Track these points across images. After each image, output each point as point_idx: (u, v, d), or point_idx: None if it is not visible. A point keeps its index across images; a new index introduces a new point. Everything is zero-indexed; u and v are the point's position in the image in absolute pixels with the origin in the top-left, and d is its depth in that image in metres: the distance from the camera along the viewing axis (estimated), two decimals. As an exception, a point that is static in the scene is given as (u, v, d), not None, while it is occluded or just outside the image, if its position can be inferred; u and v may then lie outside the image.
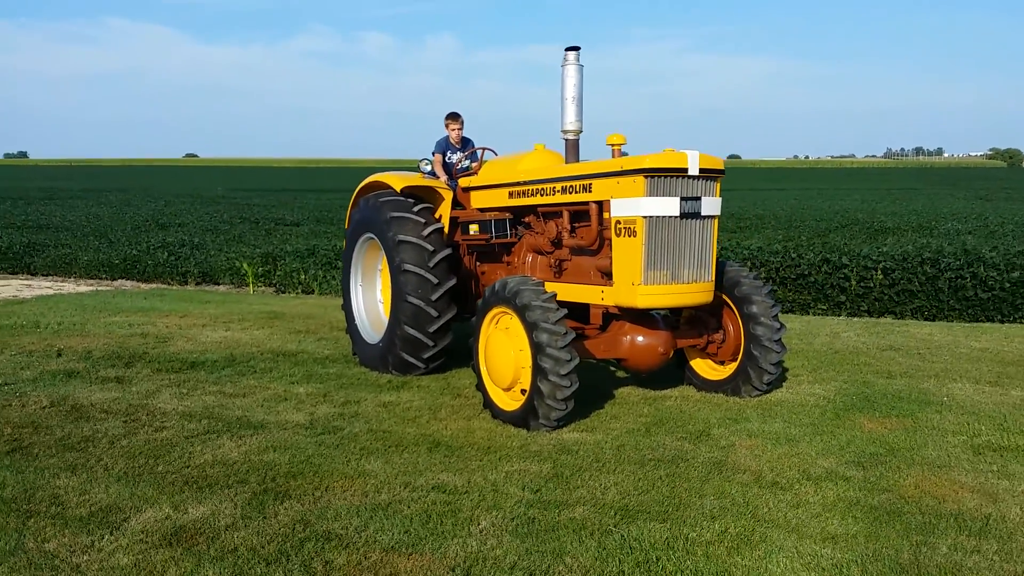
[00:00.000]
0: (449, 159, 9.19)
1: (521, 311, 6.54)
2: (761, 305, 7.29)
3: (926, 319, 12.64)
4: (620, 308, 6.98)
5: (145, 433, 6.39)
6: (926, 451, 5.96)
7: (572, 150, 7.72)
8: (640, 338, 7.08)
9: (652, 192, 6.58)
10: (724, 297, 7.49)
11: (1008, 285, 12.40)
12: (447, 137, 9.21)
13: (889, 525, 4.72)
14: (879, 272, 13.08)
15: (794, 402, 7.31)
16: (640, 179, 6.57)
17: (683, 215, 6.67)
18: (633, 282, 6.66)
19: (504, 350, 6.73)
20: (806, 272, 13.45)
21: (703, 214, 6.77)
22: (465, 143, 9.29)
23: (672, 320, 7.87)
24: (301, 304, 13.80)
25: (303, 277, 16.63)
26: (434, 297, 8.04)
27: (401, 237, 8.12)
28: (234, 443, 6.15)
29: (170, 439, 6.24)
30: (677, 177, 6.64)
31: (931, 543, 4.48)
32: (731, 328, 7.51)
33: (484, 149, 9.15)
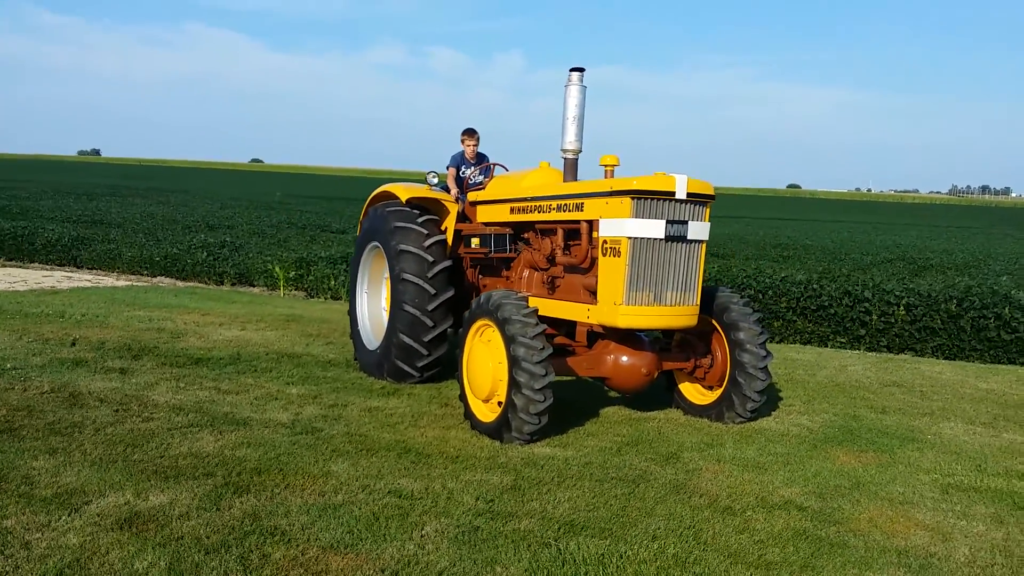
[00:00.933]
0: (463, 173, 9.36)
1: (501, 324, 6.64)
2: (748, 332, 7.28)
3: (947, 358, 12.42)
4: (603, 327, 7.04)
5: (132, 423, 6.61)
6: (892, 487, 5.90)
7: (571, 169, 7.81)
8: (624, 358, 7.12)
9: (638, 214, 6.64)
10: (713, 322, 7.51)
11: (1033, 327, 12.12)
12: (462, 152, 9.37)
13: (829, 556, 4.70)
14: (901, 308, 12.90)
15: (775, 431, 7.28)
16: (627, 200, 6.64)
17: (668, 238, 6.71)
18: (615, 302, 6.71)
19: (484, 362, 6.84)
20: (827, 304, 13.31)
21: (689, 238, 6.81)
22: (480, 158, 9.44)
23: (663, 342, 7.92)
24: (323, 309, 14.06)
25: (332, 283, 16.94)
26: (431, 307, 8.18)
27: (402, 247, 8.29)
28: (213, 437, 6.34)
29: (153, 430, 6.45)
30: (664, 200, 6.69)
31: (864, 577, 4.47)
32: (719, 353, 7.51)
33: (495, 165, 9.31)
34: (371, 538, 4.67)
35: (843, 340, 13.21)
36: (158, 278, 18.85)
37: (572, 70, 7.65)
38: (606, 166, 7.20)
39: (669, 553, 4.64)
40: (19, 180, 63.35)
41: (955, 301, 12.75)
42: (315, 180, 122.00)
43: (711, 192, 6.92)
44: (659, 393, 8.13)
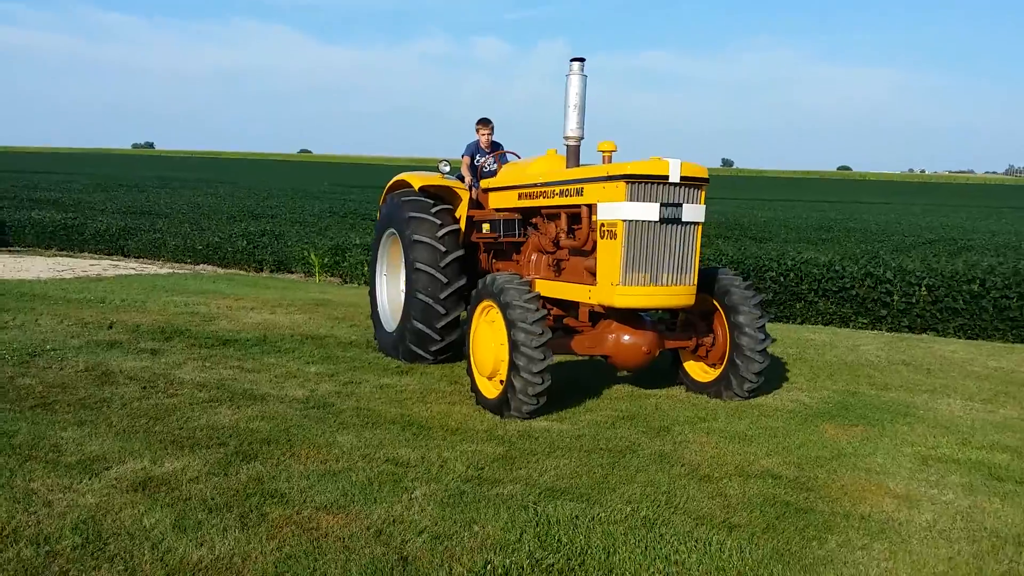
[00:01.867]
0: (477, 161, 9.69)
1: (503, 308, 6.96)
2: (748, 315, 7.49)
3: (969, 338, 12.45)
4: (603, 307, 7.31)
5: (157, 398, 7.06)
6: (873, 458, 6.11)
7: (573, 155, 8.07)
8: (625, 337, 7.38)
9: (633, 197, 6.89)
10: (715, 303, 7.74)
11: (1056, 307, 12.11)
12: (477, 141, 9.70)
13: (794, 520, 4.95)
14: (923, 288, 12.93)
15: (771, 406, 7.49)
16: (622, 184, 6.89)
17: (663, 220, 6.94)
18: (612, 282, 6.97)
19: (488, 341, 7.17)
20: (848, 285, 13.39)
21: (684, 220, 7.03)
22: (495, 147, 9.75)
23: (669, 322, 8.17)
24: (354, 294, 14.51)
25: (365, 269, 17.39)
26: (443, 296, 8.54)
27: (416, 237, 8.64)
28: (230, 411, 6.77)
29: (176, 404, 6.89)
30: (658, 184, 6.93)
31: (823, 538, 4.71)
32: (720, 333, 7.75)
33: (508, 152, 9.62)
34: (363, 500, 5.03)
35: (865, 321, 13.29)
36: (200, 265, 19.50)
37: (573, 60, 7.90)
38: (604, 152, 7.46)
39: (640, 516, 4.93)
40: (73, 173, 65.17)
41: (977, 281, 12.76)
42: (361, 169, 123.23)
43: (705, 175, 7.12)
44: (666, 371, 8.38)
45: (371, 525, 4.70)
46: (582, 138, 8.03)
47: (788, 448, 6.28)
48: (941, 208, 58.52)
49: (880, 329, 13.02)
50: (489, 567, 4.26)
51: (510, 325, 6.83)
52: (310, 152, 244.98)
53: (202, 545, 4.39)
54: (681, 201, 7.01)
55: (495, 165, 9.62)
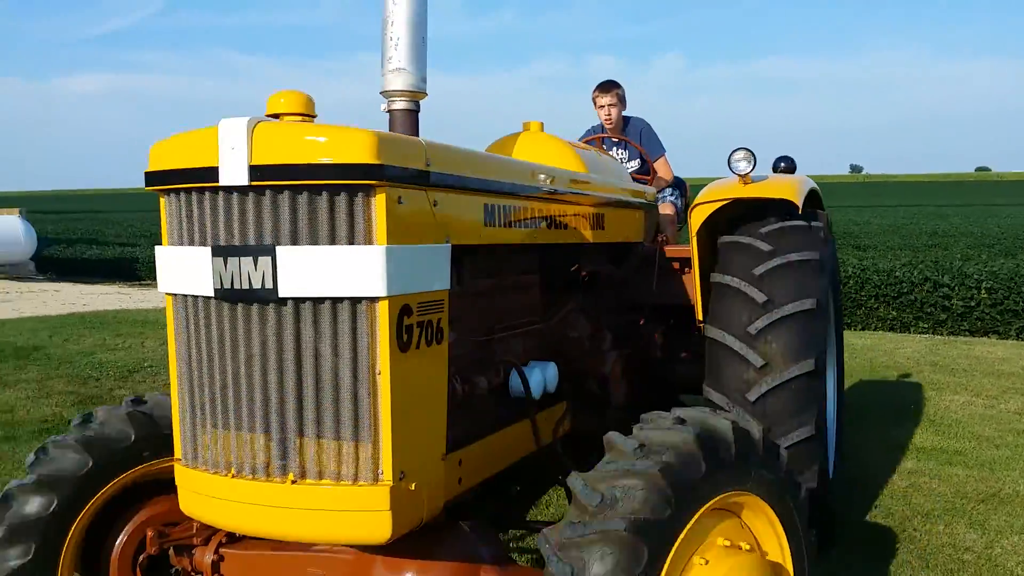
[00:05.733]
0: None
1: None
2: None
3: (1036, 340, 12.39)
4: None
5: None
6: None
7: (402, 126, 3.09)
8: None
9: (172, 234, 2.69)
10: None
11: (1119, 305, 11.95)
12: (600, 124, 6.28)
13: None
14: (982, 291, 12.93)
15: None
16: (161, 200, 2.74)
17: (220, 295, 2.51)
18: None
19: None
20: (907, 291, 13.48)
21: (285, 295, 2.39)
22: (626, 124, 6.28)
23: None
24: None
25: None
26: None
27: None
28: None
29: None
30: (203, 193, 2.53)
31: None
32: None
33: (639, 138, 6.23)
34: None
35: (925, 326, 13.34)
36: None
37: None
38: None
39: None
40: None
41: (1037, 282, 12.67)
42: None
43: (363, 158, 2.35)
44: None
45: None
46: (423, 94, 3.11)
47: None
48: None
49: (941, 333, 13.06)
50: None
51: None
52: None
53: None
54: (267, 238, 2.41)
55: (623, 153, 6.23)
